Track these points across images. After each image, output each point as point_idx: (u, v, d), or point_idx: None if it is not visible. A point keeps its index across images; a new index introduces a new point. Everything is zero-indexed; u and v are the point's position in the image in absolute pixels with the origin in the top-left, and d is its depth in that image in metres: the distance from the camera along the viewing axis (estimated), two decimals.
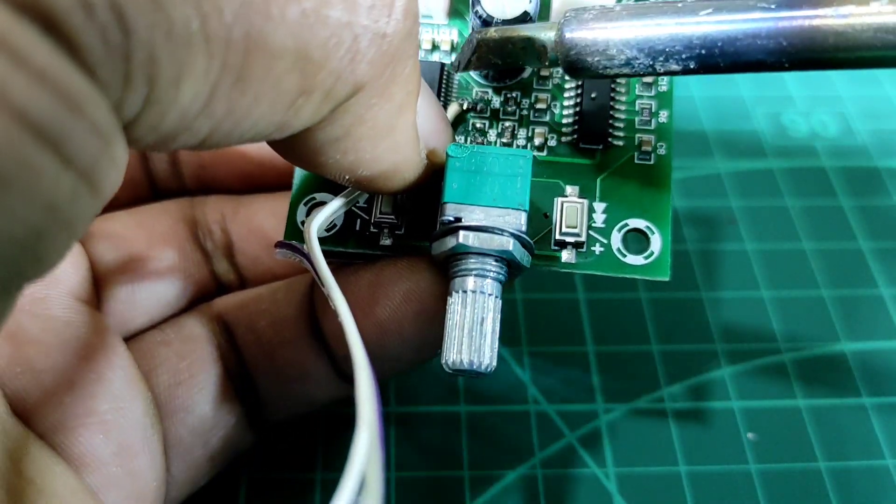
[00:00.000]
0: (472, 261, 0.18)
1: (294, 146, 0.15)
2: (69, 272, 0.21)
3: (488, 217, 0.18)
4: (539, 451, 0.27)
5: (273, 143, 0.16)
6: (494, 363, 0.18)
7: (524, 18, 0.20)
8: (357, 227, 0.20)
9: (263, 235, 0.24)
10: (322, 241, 0.20)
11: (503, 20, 0.20)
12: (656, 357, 0.29)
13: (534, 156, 0.19)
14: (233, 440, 0.22)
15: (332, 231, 0.20)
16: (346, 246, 0.20)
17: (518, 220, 0.18)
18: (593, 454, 0.27)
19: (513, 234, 0.18)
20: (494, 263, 0.18)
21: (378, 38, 0.14)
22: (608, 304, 0.31)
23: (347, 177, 0.17)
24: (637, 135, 0.21)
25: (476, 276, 0.18)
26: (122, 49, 0.10)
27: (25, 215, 0.10)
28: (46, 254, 0.11)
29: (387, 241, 0.20)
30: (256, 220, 0.24)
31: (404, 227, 0.20)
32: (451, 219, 0.18)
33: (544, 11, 0.22)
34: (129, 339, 0.22)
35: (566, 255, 0.20)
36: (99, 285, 0.22)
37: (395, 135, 0.16)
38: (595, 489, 0.26)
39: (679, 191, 0.34)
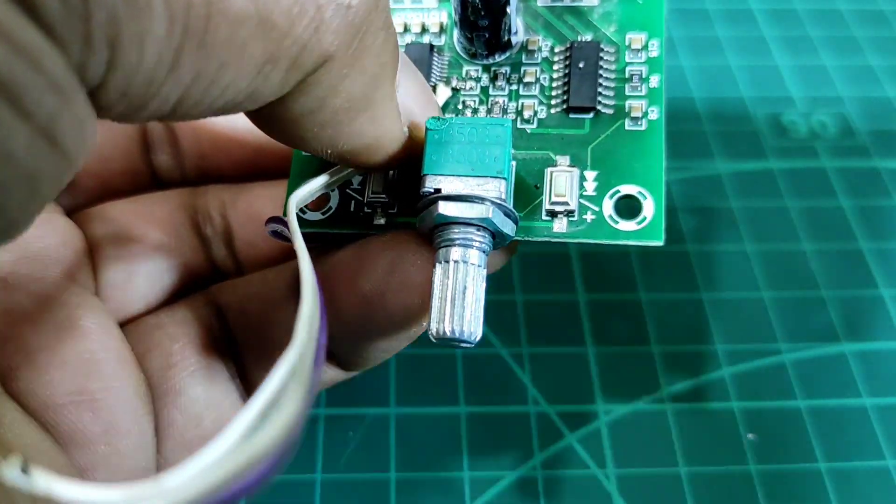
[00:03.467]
0: (454, 231, 0.18)
1: (272, 119, 0.16)
2: (67, 255, 0.21)
3: (467, 186, 0.18)
4: (539, 452, 0.27)
5: (253, 118, 0.16)
6: (480, 332, 0.18)
7: None
8: (352, 209, 0.20)
9: (261, 221, 0.24)
10: (318, 223, 0.20)
11: None
12: (656, 357, 0.29)
13: (513, 123, 0.19)
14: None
15: (328, 213, 0.21)
16: (341, 228, 0.20)
17: (497, 189, 0.18)
18: (593, 455, 0.27)
19: (493, 202, 0.18)
20: (477, 233, 0.18)
21: (342, 9, 0.14)
22: (608, 304, 0.31)
23: (329, 151, 0.17)
24: (627, 101, 0.21)
25: (459, 245, 0.18)
26: (81, 9, 0.11)
27: None
28: (9, 208, 0.11)
29: (380, 221, 0.20)
30: (255, 207, 0.24)
31: (396, 206, 0.20)
32: (431, 190, 0.18)
33: None
34: (125, 323, 0.22)
35: (557, 225, 0.19)
36: (96, 270, 0.22)
37: (373, 108, 0.17)
38: (595, 490, 0.26)
39: (679, 191, 0.34)
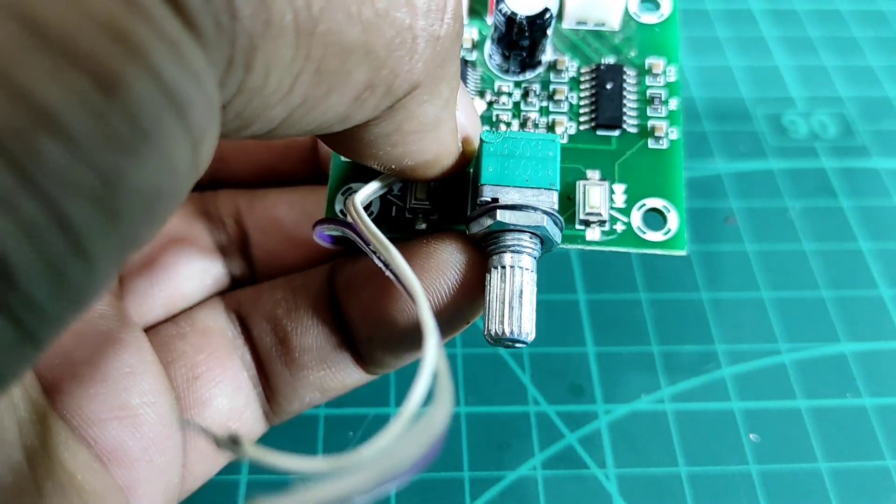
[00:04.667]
0: (508, 238, 0.19)
1: (347, 138, 0.16)
2: None
3: (523, 196, 0.19)
4: (539, 452, 0.27)
5: (324, 136, 0.17)
6: (534, 333, 0.19)
7: (544, 14, 0.21)
8: (393, 214, 0.21)
9: (281, 228, 0.24)
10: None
11: (526, 16, 0.21)
12: (656, 357, 0.29)
13: (559, 140, 0.20)
14: (247, 431, 0.22)
15: (370, 217, 0.21)
16: (382, 231, 0.21)
17: (550, 199, 0.19)
18: (593, 455, 0.27)
19: (546, 212, 0.19)
20: (529, 240, 0.19)
21: (433, 40, 0.15)
22: (608, 305, 0.31)
23: (393, 166, 0.18)
24: (649, 122, 0.22)
25: (512, 251, 0.19)
26: (230, 33, 0.11)
27: (155, 171, 0.11)
28: (157, 219, 0.12)
29: (422, 226, 0.21)
30: (275, 213, 0.24)
31: (437, 213, 0.21)
32: (489, 199, 0.19)
33: (558, 13, 0.23)
34: (145, 330, 0.22)
35: (591, 234, 0.21)
36: (119, 277, 0.22)
37: (440, 128, 0.17)
38: (595, 490, 0.26)
39: None
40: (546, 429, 0.27)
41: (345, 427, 0.27)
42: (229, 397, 0.22)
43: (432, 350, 0.16)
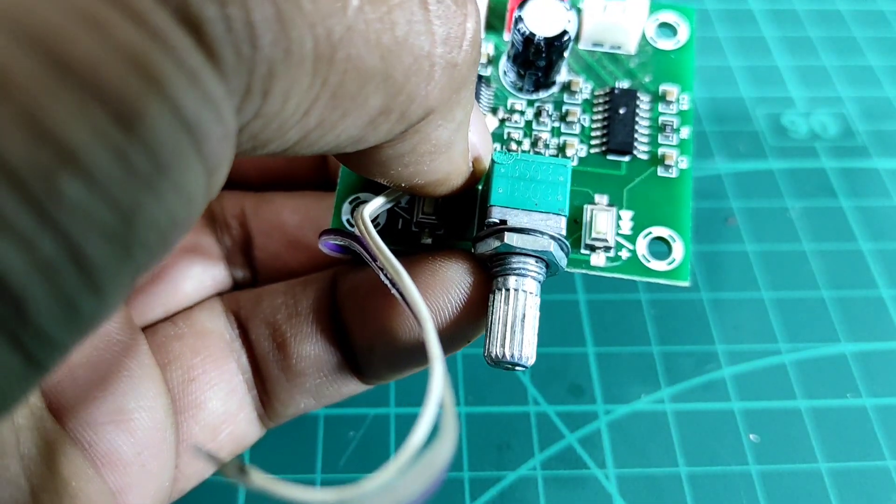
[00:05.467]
0: (514, 260, 0.19)
1: (360, 157, 0.16)
2: None
3: (531, 220, 0.19)
4: (539, 452, 0.27)
5: (338, 155, 0.17)
6: (534, 357, 0.19)
7: (562, 37, 0.21)
8: (399, 227, 0.21)
9: (285, 232, 0.24)
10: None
11: (544, 38, 0.21)
12: (656, 357, 0.29)
13: (571, 165, 0.20)
14: (241, 435, 0.22)
15: (376, 229, 0.21)
16: (387, 244, 0.21)
17: (558, 224, 0.19)
18: (593, 455, 0.27)
19: (553, 237, 0.19)
20: (534, 264, 0.19)
21: (450, 67, 0.15)
22: (608, 305, 0.31)
23: (403, 184, 0.18)
24: (660, 149, 0.22)
25: (517, 275, 0.19)
26: (250, 62, 0.11)
27: (171, 204, 0.11)
28: (169, 245, 0.11)
29: (427, 241, 0.21)
30: (280, 217, 0.24)
31: (444, 229, 0.21)
32: (497, 221, 0.19)
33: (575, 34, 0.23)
34: (144, 329, 0.22)
35: (595, 259, 0.21)
36: None
37: (452, 149, 0.17)
38: (595, 490, 0.26)
39: None
40: (546, 429, 0.27)
41: (345, 427, 0.27)
42: (223, 400, 0.22)
43: (438, 380, 0.15)
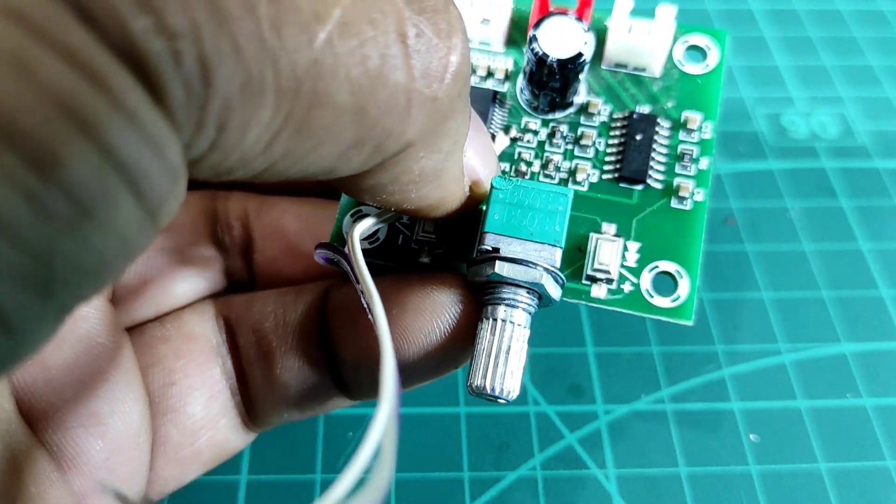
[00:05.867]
0: (505, 290, 0.19)
1: (343, 183, 0.16)
2: None
3: (525, 250, 0.18)
4: (539, 452, 0.27)
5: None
6: (517, 391, 0.18)
7: (577, 59, 0.20)
8: (399, 243, 0.21)
9: (285, 237, 0.24)
10: (364, 252, 0.20)
11: (557, 59, 0.20)
12: (656, 357, 0.29)
13: (574, 193, 0.20)
14: (222, 441, 0.22)
15: (375, 244, 0.21)
16: (386, 260, 0.21)
17: (552, 256, 0.18)
18: (593, 455, 0.27)
19: (546, 269, 0.18)
20: (526, 295, 0.19)
21: (429, 102, 0.14)
22: None
23: (393, 209, 0.18)
24: (676, 179, 0.21)
25: (507, 305, 0.19)
26: (201, 98, 0.11)
27: (98, 245, 0.10)
28: (104, 281, 0.11)
29: (426, 259, 0.21)
30: (282, 222, 0.24)
31: (444, 248, 0.21)
32: (490, 248, 0.19)
33: (598, 53, 0.22)
34: (132, 329, 0.22)
35: (596, 290, 0.20)
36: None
37: (442, 177, 0.17)
38: (595, 490, 0.26)
39: None
40: (546, 429, 0.27)
41: (345, 427, 0.27)
42: (203, 405, 0.21)
43: (383, 416, 0.15)
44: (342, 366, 0.21)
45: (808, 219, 0.33)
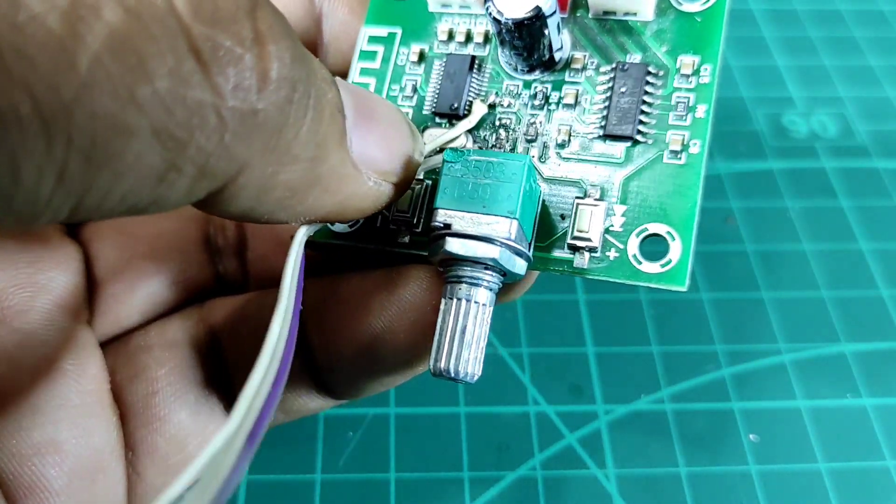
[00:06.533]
0: (465, 268, 0.18)
1: (211, 212, 0.15)
2: (59, 279, 0.20)
3: (476, 224, 0.17)
4: (539, 452, 0.27)
5: (198, 207, 0.16)
6: (478, 372, 0.18)
7: (534, 18, 0.19)
8: (378, 224, 0.20)
9: (276, 235, 0.24)
10: (344, 236, 0.20)
11: (512, 20, 0.19)
12: (656, 357, 0.29)
13: (530, 159, 0.18)
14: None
15: (355, 227, 0.21)
16: (367, 242, 0.20)
17: (507, 229, 0.17)
18: (593, 455, 0.27)
19: (502, 242, 0.17)
20: (486, 271, 0.18)
21: (250, 115, 0.13)
22: (608, 305, 0.31)
23: (295, 223, 0.17)
24: (669, 132, 0.19)
25: (466, 283, 0.18)
26: None
27: None
28: None
29: (405, 239, 0.20)
30: None
31: (421, 225, 0.20)
32: (441, 224, 0.18)
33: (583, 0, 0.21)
34: (117, 337, 0.22)
35: (578, 260, 0.19)
36: (95, 283, 0.22)
37: (323, 181, 0.16)
38: (595, 490, 0.26)
39: None
40: (546, 429, 0.27)
41: (345, 427, 0.27)
42: (190, 412, 0.21)
43: (228, 430, 0.13)
44: (318, 367, 0.21)
45: (808, 219, 0.33)
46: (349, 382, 0.21)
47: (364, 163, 0.17)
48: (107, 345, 0.22)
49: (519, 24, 0.19)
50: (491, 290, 0.18)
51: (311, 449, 0.27)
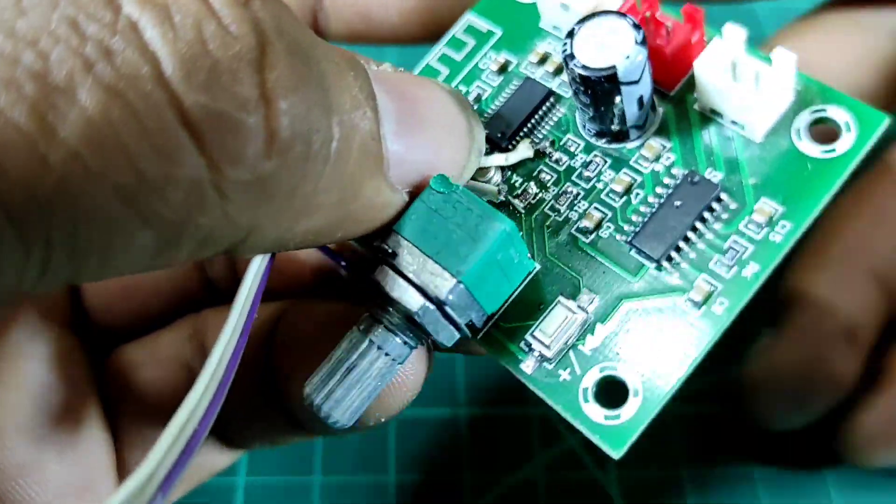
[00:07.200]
0: (389, 308, 0.16)
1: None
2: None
3: (420, 268, 0.15)
4: (539, 454, 0.27)
5: None
6: (345, 423, 0.16)
7: (605, 74, 0.16)
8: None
9: None
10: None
11: (582, 65, 0.16)
12: None
13: (513, 228, 0.16)
14: (203, 462, 0.22)
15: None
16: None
17: (445, 287, 0.15)
18: (594, 456, 0.27)
19: (433, 300, 0.15)
20: (409, 324, 0.16)
21: (255, 184, 0.12)
22: None
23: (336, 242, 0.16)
24: (701, 276, 0.16)
25: (386, 328, 0.16)
26: None
27: None
28: None
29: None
30: None
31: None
32: (388, 249, 0.16)
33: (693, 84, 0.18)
34: (115, 350, 0.22)
35: (526, 362, 0.17)
36: (81, 291, 0.22)
37: (352, 217, 0.15)
38: (596, 491, 0.26)
39: None
40: (546, 431, 0.27)
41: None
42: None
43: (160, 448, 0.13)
44: (292, 404, 0.19)
45: None
46: (323, 429, 0.20)
47: (404, 179, 0.15)
48: (96, 358, 0.21)
49: (585, 77, 0.16)
50: (407, 345, 0.16)
51: (311, 449, 0.27)
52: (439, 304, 0.15)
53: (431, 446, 0.27)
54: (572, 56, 0.16)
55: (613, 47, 0.16)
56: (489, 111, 0.19)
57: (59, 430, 0.19)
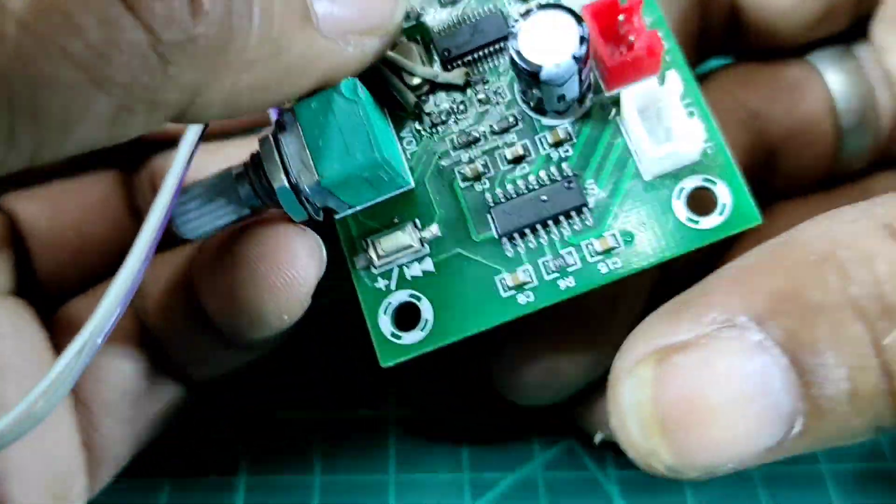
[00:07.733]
0: (260, 172, 0.18)
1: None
2: None
3: (295, 151, 0.17)
4: (539, 453, 0.27)
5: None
6: (189, 236, 0.18)
7: (527, 70, 0.17)
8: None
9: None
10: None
11: (516, 50, 0.17)
12: None
13: (381, 161, 0.17)
14: (159, 395, 0.23)
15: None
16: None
17: (307, 180, 0.17)
18: (594, 456, 0.27)
19: (293, 185, 0.17)
20: (268, 189, 0.17)
21: (188, 44, 0.14)
22: None
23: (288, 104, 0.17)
24: (525, 265, 0.18)
25: (249, 182, 0.18)
26: None
27: None
28: None
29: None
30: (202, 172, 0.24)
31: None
32: (283, 122, 0.17)
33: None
34: (54, 310, 0.22)
35: (359, 257, 0.19)
36: (32, 261, 0.22)
37: (294, 70, 0.16)
38: (596, 491, 0.26)
39: None
40: (546, 429, 0.27)
41: (344, 429, 0.27)
42: (132, 366, 0.22)
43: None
44: (215, 320, 0.20)
45: None
46: (241, 327, 0.20)
47: (337, 31, 0.16)
48: (49, 321, 0.22)
49: (514, 61, 0.17)
50: (258, 198, 0.18)
51: (311, 450, 0.27)
52: (297, 191, 0.17)
53: (431, 446, 0.27)
54: (515, 36, 0.17)
55: (553, 46, 0.17)
56: (444, 22, 0.20)
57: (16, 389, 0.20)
